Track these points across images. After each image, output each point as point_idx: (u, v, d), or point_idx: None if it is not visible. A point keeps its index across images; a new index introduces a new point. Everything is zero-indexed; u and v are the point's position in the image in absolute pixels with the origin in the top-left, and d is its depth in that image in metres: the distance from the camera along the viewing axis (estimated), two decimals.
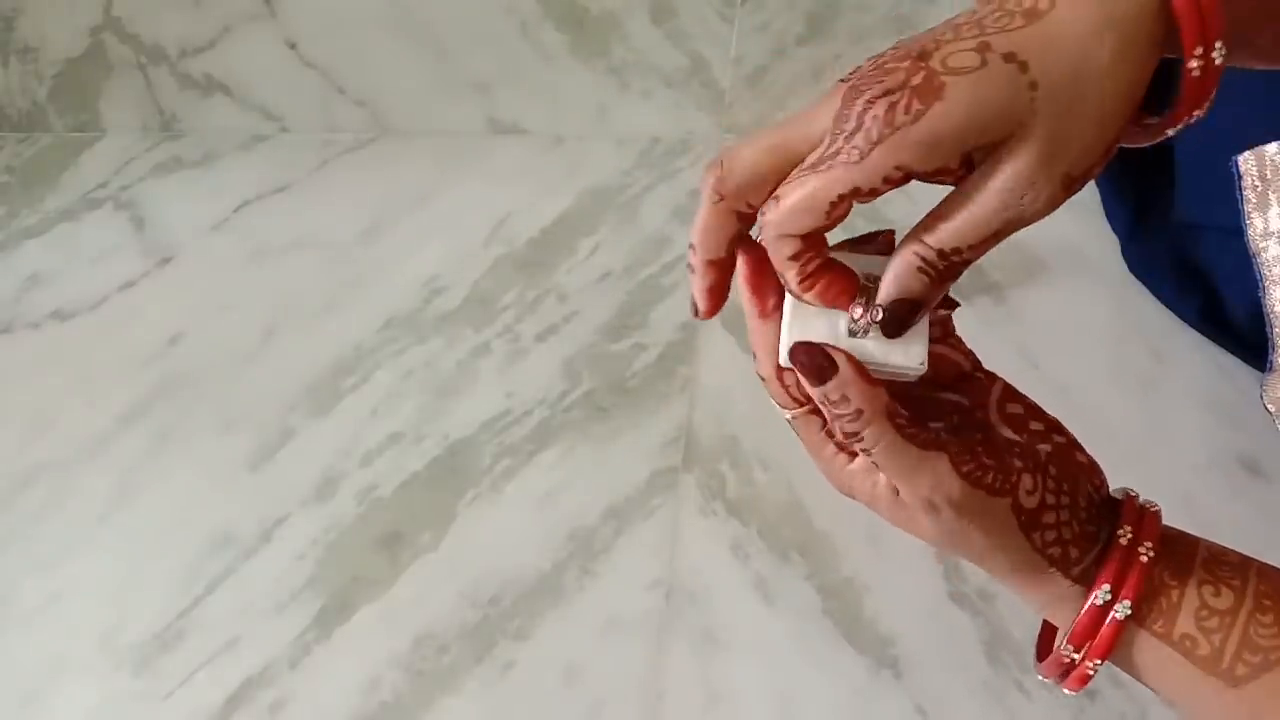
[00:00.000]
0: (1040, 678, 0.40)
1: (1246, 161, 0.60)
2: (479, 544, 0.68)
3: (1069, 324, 0.73)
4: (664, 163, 0.92)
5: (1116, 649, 0.36)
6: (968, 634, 0.61)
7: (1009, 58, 0.30)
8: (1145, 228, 0.73)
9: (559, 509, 0.69)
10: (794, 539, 0.66)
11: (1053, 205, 0.31)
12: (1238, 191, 0.61)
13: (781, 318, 0.36)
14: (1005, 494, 0.35)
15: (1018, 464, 0.35)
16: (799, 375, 0.35)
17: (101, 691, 0.64)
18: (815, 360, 0.35)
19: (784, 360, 0.36)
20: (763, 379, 0.38)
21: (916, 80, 0.30)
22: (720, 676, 0.61)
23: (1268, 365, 0.63)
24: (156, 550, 0.71)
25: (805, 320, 0.36)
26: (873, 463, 0.35)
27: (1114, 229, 0.76)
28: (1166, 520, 0.37)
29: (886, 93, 0.31)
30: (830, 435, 0.37)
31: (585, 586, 0.65)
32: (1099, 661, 0.37)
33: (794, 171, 0.33)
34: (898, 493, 0.36)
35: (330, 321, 0.83)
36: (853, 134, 0.31)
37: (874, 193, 0.32)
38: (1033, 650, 0.43)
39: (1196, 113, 0.32)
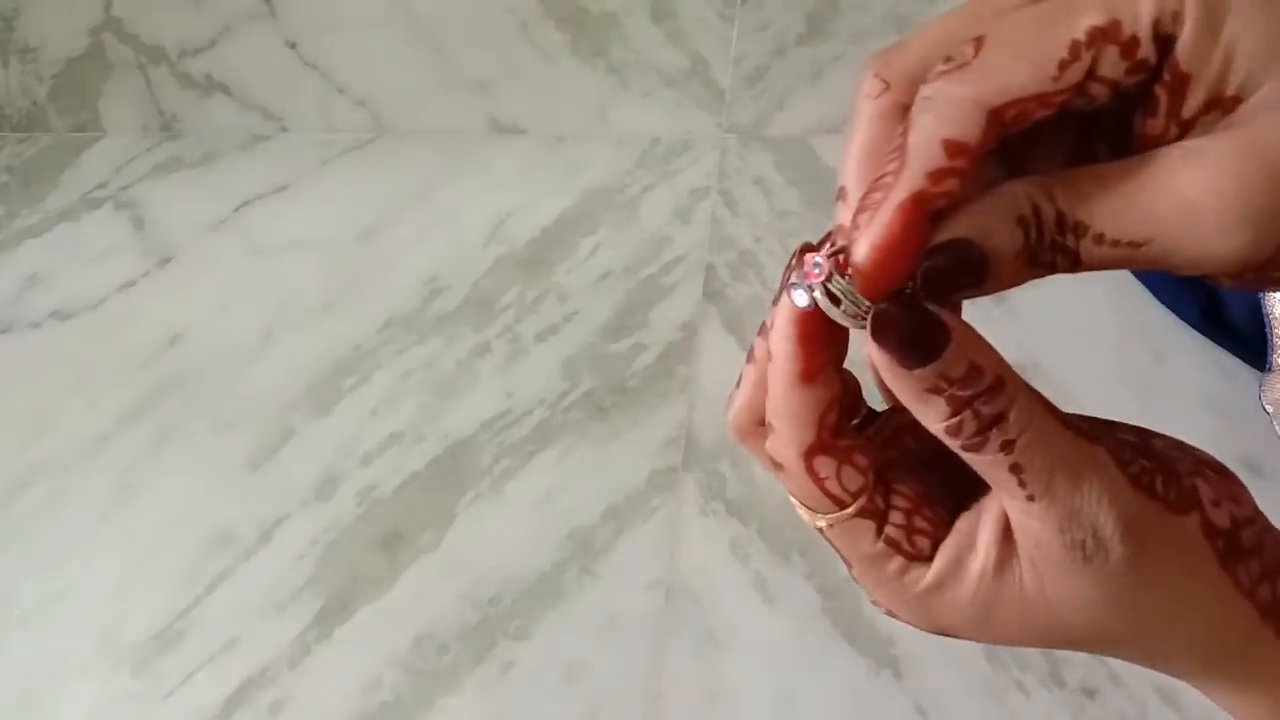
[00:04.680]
0: None
1: None
2: (479, 544, 0.68)
3: (1069, 324, 0.73)
4: (664, 163, 0.92)
5: None
6: None
7: None
8: None
9: (559, 509, 0.69)
10: (794, 539, 0.66)
11: (1247, 256, 0.20)
12: None
13: (820, 385, 0.24)
14: (1189, 508, 0.24)
15: (1180, 467, 0.24)
16: (885, 357, 0.23)
17: (101, 691, 0.64)
18: (912, 320, 0.22)
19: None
20: (779, 469, 0.26)
21: None
22: (720, 676, 0.61)
23: (1267, 365, 0.63)
24: (156, 550, 0.71)
25: None
26: (1018, 481, 0.23)
27: None
28: None
29: None
30: (894, 544, 0.25)
31: (585, 586, 0.65)
32: None
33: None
34: (1004, 568, 0.24)
35: (330, 321, 0.83)
36: None
37: (1131, 49, 0.21)
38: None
39: None
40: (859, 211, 0.23)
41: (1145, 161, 0.22)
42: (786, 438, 0.25)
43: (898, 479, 0.26)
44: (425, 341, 0.80)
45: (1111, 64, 0.22)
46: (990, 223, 0.22)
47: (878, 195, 0.22)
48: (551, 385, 0.76)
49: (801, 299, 0.23)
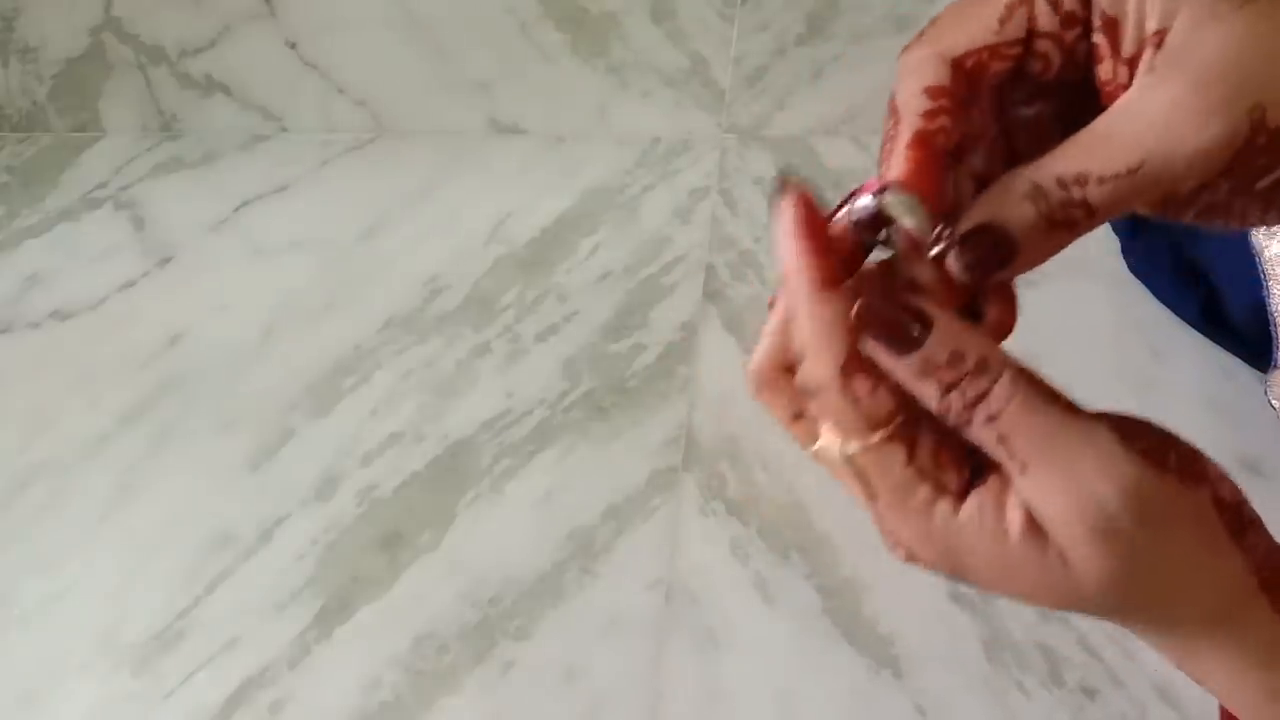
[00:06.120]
0: None
1: None
2: (479, 544, 0.68)
3: (1069, 324, 0.73)
4: (664, 163, 0.92)
5: None
6: (968, 634, 0.61)
7: None
8: (1145, 227, 0.73)
9: (559, 509, 0.69)
10: (794, 539, 0.66)
11: (1228, 142, 0.23)
12: None
13: (843, 297, 0.26)
14: (1201, 481, 0.25)
15: (1186, 444, 0.26)
16: (875, 344, 0.25)
17: (101, 691, 0.64)
18: (895, 313, 0.25)
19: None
20: (810, 394, 0.26)
21: None
22: (720, 676, 0.61)
23: (1271, 363, 0.63)
24: (156, 550, 0.71)
25: None
26: (1007, 451, 0.24)
27: (1114, 229, 0.76)
28: None
29: None
30: (924, 472, 0.26)
31: (585, 586, 0.65)
32: None
33: None
34: (1032, 531, 0.25)
35: (330, 321, 0.83)
36: None
37: (1057, 2, 0.25)
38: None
39: None
40: (882, 163, 0.26)
41: (1109, 112, 0.25)
42: (819, 354, 0.26)
43: (917, 424, 0.26)
44: (425, 341, 0.80)
45: (1046, 17, 0.26)
46: (1002, 203, 0.25)
47: (889, 146, 0.26)
48: (551, 385, 0.76)
49: (866, 204, 0.26)
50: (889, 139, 0.26)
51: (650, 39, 0.90)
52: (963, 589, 0.63)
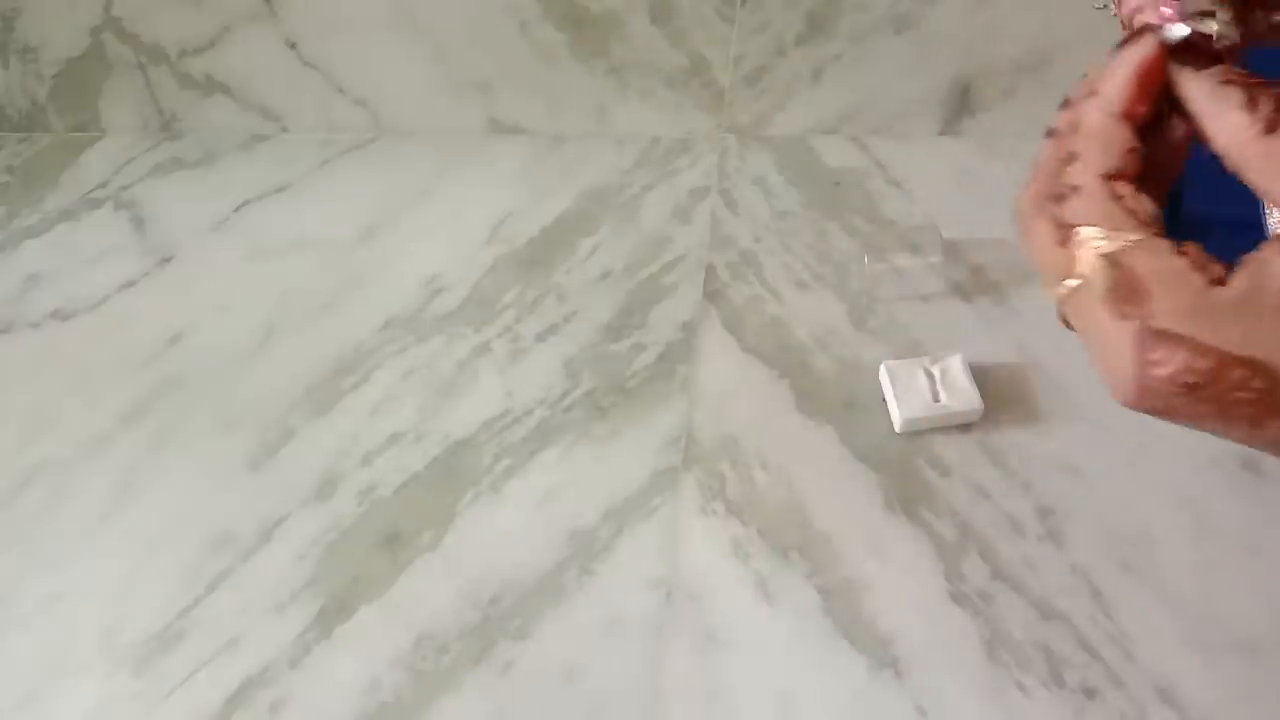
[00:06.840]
0: None
1: None
2: (479, 544, 0.68)
3: None
4: (664, 163, 0.92)
5: None
6: (968, 634, 0.61)
7: None
8: None
9: (559, 509, 0.69)
10: (794, 539, 0.66)
11: None
12: None
13: (1132, 129, 0.29)
14: None
15: None
16: (1181, 67, 0.28)
17: (101, 691, 0.64)
18: (1205, 46, 0.28)
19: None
20: (1071, 194, 0.29)
21: None
22: (720, 676, 0.61)
23: None
24: (156, 550, 0.71)
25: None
26: None
27: None
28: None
29: None
30: (1195, 261, 0.28)
31: (585, 586, 0.65)
32: None
33: None
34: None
35: (330, 321, 0.83)
36: None
37: None
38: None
39: None
40: None
41: None
42: (1090, 159, 0.28)
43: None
44: (425, 341, 0.80)
45: None
46: None
47: None
48: (551, 385, 0.76)
49: (1180, 30, 0.28)
50: None
51: (650, 39, 0.90)
52: (963, 589, 0.63)
